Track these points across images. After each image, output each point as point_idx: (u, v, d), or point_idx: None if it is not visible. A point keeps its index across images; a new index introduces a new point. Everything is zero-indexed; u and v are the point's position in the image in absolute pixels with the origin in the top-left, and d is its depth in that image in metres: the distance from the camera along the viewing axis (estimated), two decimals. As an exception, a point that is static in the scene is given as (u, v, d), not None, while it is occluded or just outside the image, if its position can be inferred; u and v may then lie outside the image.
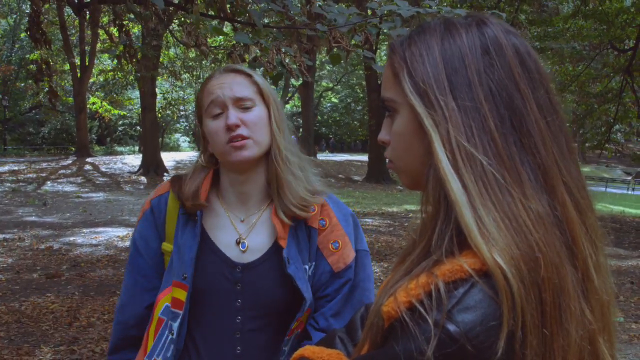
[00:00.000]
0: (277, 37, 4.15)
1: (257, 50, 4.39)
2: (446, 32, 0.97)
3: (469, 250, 0.84)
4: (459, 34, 0.96)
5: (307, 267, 1.78)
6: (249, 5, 5.00)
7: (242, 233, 1.78)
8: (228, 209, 1.82)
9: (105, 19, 20.88)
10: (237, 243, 1.77)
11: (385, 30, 3.74)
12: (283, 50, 4.21)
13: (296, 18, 4.26)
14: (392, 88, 1.00)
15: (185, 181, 1.78)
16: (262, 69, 4.36)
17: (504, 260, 0.81)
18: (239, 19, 4.97)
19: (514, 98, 0.91)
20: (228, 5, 4.87)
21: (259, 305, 1.74)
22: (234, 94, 1.71)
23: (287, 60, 4.34)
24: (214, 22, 5.05)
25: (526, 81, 0.93)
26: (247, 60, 4.51)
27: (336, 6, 3.75)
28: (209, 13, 5.55)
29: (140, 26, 26.27)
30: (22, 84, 37.94)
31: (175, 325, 1.72)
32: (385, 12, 3.72)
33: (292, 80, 40.91)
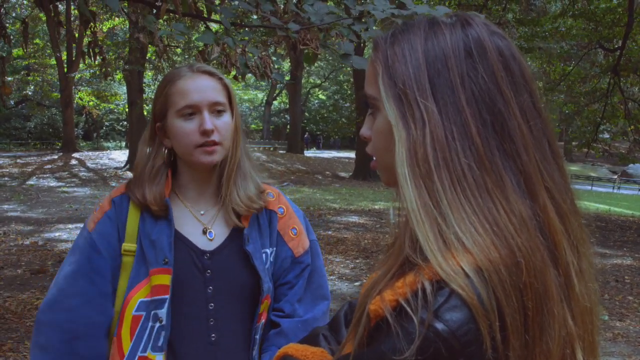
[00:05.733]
0: (245, 36, 4.11)
1: (219, 51, 4.33)
2: (430, 31, 0.95)
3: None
4: (442, 34, 0.94)
5: (268, 251, 1.89)
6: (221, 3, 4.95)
7: (207, 223, 1.86)
8: (187, 203, 1.88)
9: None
10: (204, 232, 1.85)
11: (360, 33, 3.69)
12: (247, 50, 4.18)
13: (273, 18, 4.22)
14: (374, 85, 0.98)
15: (145, 186, 1.80)
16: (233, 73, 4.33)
17: (472, 265, 0.80)
18: (215, 19, 4.92)
19: (496, 102, 0.90)
20: (203, 6, 4.82)
21: (228, 291, 1.82)
22: (210, 99, 1.78)
23: (252, 60, 4.30)
24: (185, 21, 5.01)
25: (509, 85, 0.91)
26: (208, 60, 4.46)
27: (311, 6, 3.70)
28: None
29: (119, 21, 26.16)
30: (9, 78, 37.67)
31: (163, 311, 1.73)
32: (358, 13, 3.67)
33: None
